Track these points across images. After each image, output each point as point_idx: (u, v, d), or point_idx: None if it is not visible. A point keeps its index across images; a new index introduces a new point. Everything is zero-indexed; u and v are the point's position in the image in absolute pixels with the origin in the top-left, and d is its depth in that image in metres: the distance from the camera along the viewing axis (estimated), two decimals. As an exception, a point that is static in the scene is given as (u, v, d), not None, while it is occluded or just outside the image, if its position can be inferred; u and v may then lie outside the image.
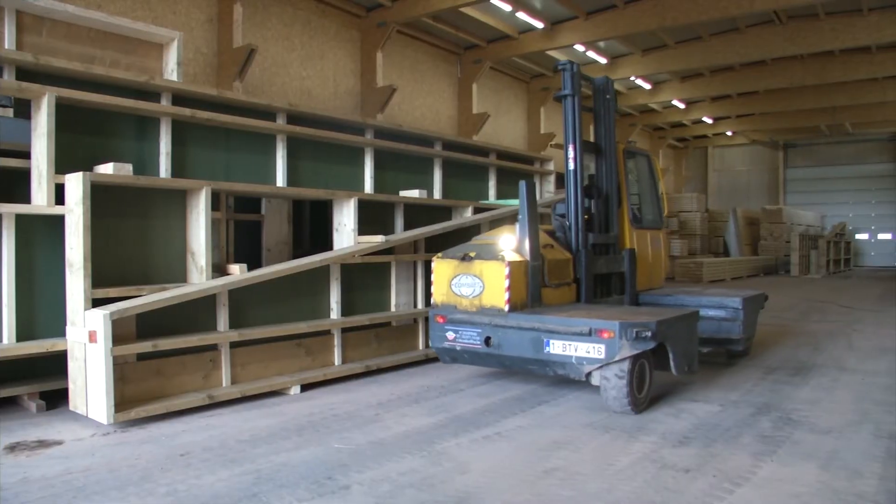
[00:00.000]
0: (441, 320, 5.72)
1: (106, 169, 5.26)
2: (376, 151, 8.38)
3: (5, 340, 4.98)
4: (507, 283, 5.41)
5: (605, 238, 6.75)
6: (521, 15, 16.18)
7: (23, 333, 5.06)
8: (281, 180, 7.27)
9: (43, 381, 5.16)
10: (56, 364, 5.18)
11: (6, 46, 6.02)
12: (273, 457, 4.06)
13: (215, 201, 6.64)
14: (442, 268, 5.84)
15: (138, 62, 7.18)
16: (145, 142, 6.16)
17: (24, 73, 5.57)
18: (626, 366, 4.87)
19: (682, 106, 26.92)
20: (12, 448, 4.20)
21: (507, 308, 5.40)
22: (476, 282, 5.58)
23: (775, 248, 25.92)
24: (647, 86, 23.63)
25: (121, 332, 4.79)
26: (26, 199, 5.37)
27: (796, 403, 5.38)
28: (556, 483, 3.65)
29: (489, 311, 5.48)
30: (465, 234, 7.55)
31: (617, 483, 3.65)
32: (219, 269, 6.04)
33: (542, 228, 6.06)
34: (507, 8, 15.63)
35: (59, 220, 5.14)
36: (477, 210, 8.33)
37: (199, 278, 5.59)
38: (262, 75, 13.41)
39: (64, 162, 5.32)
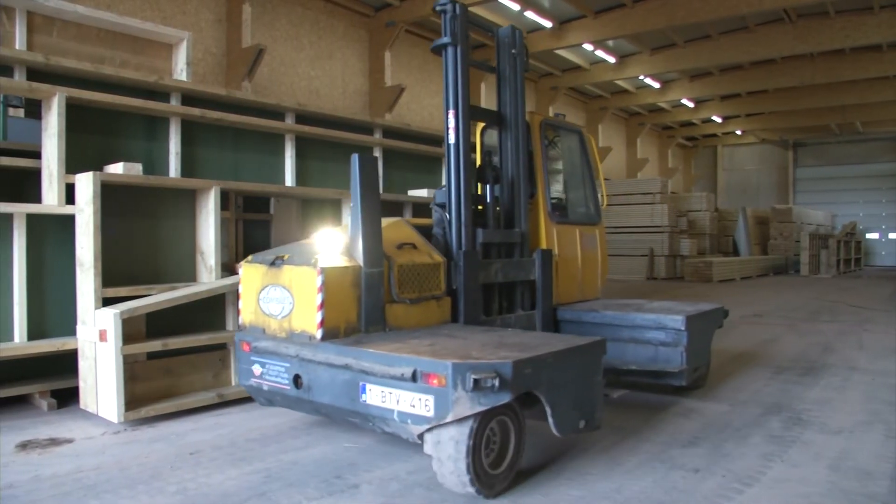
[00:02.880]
0: (246, 348, 4.20)
1: (116, 169, 5.29)
2: (385, 151, 8.40)
3: (17, 339, 5.01)
4: (319, 297, 3.84)
5: (504, 236, 5.27)
6: (530, 14, 16.18)
7: (34, 332, 5.10)
8: (290, 180, 7.29)
9: (54, 379, 5.19)
10: (67, 363, 5.22)
11: (17, 47, 6.07)
12: (282, 455, 4.08)
13: (224, 201, 6.67)
14: (249, 275, 4.31)
15: (148, 62, 7.22)
16: (155, 142, 6.19)
17: (34, 74, 5.61)
18: (466, 428, 3.25)
19: (691, 105, 26.84)
20: (24, 446, 4.22)
21: (319, 334, 3.83)
22: (286, 296, 4.03)
23: (785, 248, 25.80)
24: (656, 85, 23.57)
25: (131, 331, 4.82)
26: (37, 198, 5.40)
27: (806, 403, 5.35)
28: (566, 482, 3.65)
29: (299, 338, 3.92)
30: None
31: (625, 483, 3.64)
32: (228, 269, 6.07)
33: (406, 222, 4.92)
34: (516, 7, 15.63)
35: (69, 220, 5.17)
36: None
37: (209, 277, 5.61)
38: (271, 75, 13.45)
39: (74, 162, 5.35)
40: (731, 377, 6.36)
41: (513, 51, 5.58)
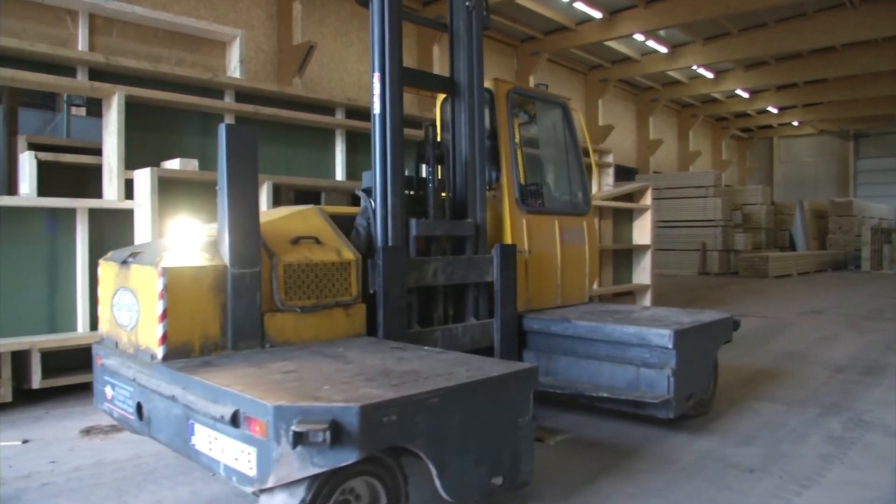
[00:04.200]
0: (100, 364, 3.57)
1: (173, 165, 5.44)
2: None
3: (80, 329, 5.20)
4: (160, 305, 3.09)
5: (451, 228, 4.44)
6: (579, 5, 15.99)
7: (96, 323, 5.28)
8: (340, 174, 7.37)
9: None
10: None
11: (80, 48, 6.25)
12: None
13: (276, 195, 6.79)
14: (105, 275, 3.66)
15: (202, 60, 7.39)
16: (210, 138, 6.34)
17: (95, 74, 5.80)
18: (301, 493, 2.41)
19: (746, 95, 26.16)
20: (87, 431, 4.39)
21: (160, 352, 3.09)
22: (134, 302, 3.31)
23: (844, 243, 24.94)
24: (710, 75, 23.05)
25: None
26: (98, 194, 5.59)
27: (868, 404, 5.16)
28: (617, 479, 3.61)
29: (143, 356, 3.21)
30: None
31: (677, 480, 3.59)
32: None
33: (320, 210, 4.08)
34: (565, -2, 15.46)
35: (128, 214, 5.34)
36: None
37: (261, 271, 5.70)
38: (321, 71, 13.62)
39: (133, 158, 5.51)
40: (786, 375, 6.19)
41: (467, 3, 4.65)
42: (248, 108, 6.44)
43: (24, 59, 5.61)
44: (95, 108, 6.20)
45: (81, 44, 6.50)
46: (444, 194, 4.56)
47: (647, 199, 9.64)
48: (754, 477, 3.64)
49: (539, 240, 5.14)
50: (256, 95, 6.72)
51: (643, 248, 9.58)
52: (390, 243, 4.00)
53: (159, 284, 3.09)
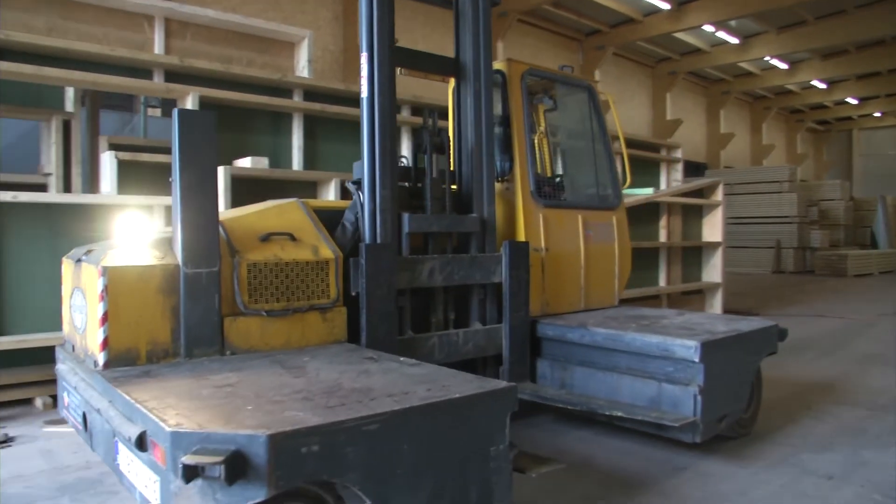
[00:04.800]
0: (56, 367, 3.45)
1: (244, 163, 5.59)
2: None
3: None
4: (101, 308, 2.87)
5: (451, 223, 4.05)
6: (647, -3, 15.65)
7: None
8: None
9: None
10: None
11: (156, 51, 6.48)
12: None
13: (344, 192, 6.90)
14: (65, 274, 3.49)
15: (272, 61, 7.57)
16: (279, 136, 6.49)
17: (171, 76, 6.02)
18: None
19: (823, 86, 25.12)
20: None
21: (101, 359, 2.87)
22: (83, 304, 3.10)
23: (931, 240, 23.65)
24: (784, 66, 22.22)
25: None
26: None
27: (958, 411, 4.88)
28: (686, 481, 3.52)
29: (88, 362, 3.01)
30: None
31: (751, 486, 3.47)
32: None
33: (303, 204, 3.79)
34: (632, -10, 15.17)
35: (202, 212, 5.50)
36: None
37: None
38: (386, 69, 13.76)
39: (207, 157, 5.68)
40: (867, 378, 5.91)
41: None
42: (316, 106, 6.56)
43: (105, 64, 5.86)
44: (171, 108, 6.43)
45: (158, 47, 6.74)
46: (452, 187, 4.22)
47: (718, 195, 9.37)
48: (833, 484, 3.50)
49: (558, 236, 4.71)
50: (324, 94, 6.84)
51: (714, 245, 9.32)
52: (379, 240, 3.66)
53: (100, 285, 2.86)
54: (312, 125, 6.70)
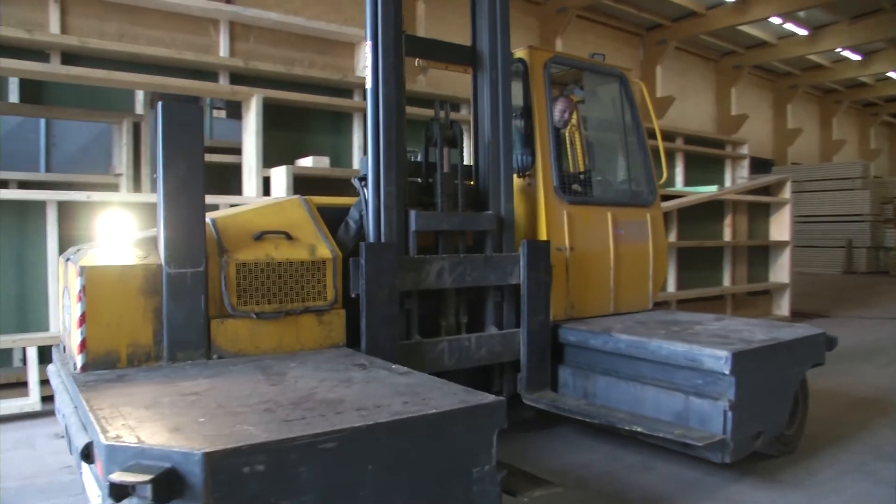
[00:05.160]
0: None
1: (306, 162, 5.68)
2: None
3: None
4: (79, 308, 2.80)
5: (464, 221, 3.84)
6: (710, -11, 15.25)
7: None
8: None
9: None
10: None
11: (221, 54, 6.66)
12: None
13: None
14: (60, 272, 3.49)
15: (333, 62, 7.68)
16: (340, 136, 6.59)
17: (235, 77, 6.19)
18: None
19: (900, 78, 23.99)
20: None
21: (79, 361, 2.80)
22: (68, 304, 3.04)
23: None
24: (857, 57, 21.31)
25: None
26: (238, 191, 5.93)
27: None
28: (751, 487, 3.40)
29: (71, 364, 2.96)
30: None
31: (820, 495, 3.33)
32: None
33: (306, 201, 3.65)
34: (695, -17, 14.81)
35: (265, 211, 5.62)
36: (664, 198, 7.94)
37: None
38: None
39: (270, 156, 5.81)
40: (951, 385, 5.61)
41: None
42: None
43: (173, 67, 6.05)
44: (235, 110, 6.58)
45: (223, 50, 6.91)
46: (469, 182, 4.06)
47: (786, 193, 9.06)
48: (916, 495, 3.32)
49: (585, 235, 4.43)
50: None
51: (781, 244, 9.01)
52: (383, 239, 3.50)
53: (77, 285, 2.79)
54: (372, 124, 6.77)
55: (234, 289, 3.08)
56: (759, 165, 20.05)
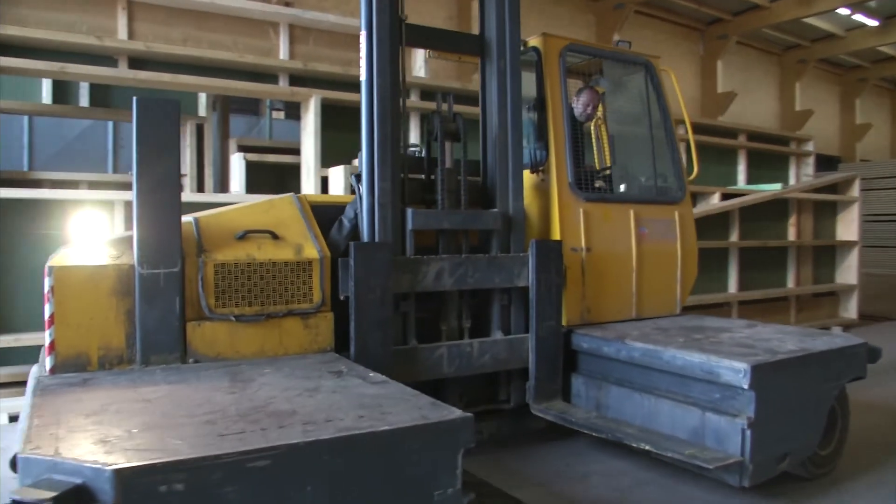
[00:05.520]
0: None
1: (363, 162, 5.75)
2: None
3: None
4: (48, 310, 2.77)
5: (467, 220, 3.68)
6: (774, -19, 14.79)
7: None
8: None
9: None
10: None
11: (280, 56, 6.81)
12: None
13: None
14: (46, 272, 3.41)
15: (389, 62, 7.75)
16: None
17: (294, 79, 6.32)
18: None
19: (978, 69, 22.79)
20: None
21: (48, 363, 2.77)
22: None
23: None
24: (932, 48, 20.34)
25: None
26: (297, 190, 6.05)
27: None
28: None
29: (44, 367, 2.88)
30: (710, 223, 7.09)
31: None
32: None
33: (299, 199, 3.55)
34: (757, -25, 14.40)
35: (323, 210, 5.72)
36: (725, 196, 7.77)
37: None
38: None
39: (328, 156, 5.91)
40: None
41: None
42: (433, 105, 6.65)
43: (235, 70, 6.21)
44: (293, 111, 6.71)
45: (283, 52, 7.05)
46: (476, 179, 3.90)
47: (854, 191, 8.74)
48: None
49: (604, 234, 4.21)
50: (441, 93, 6.93)
51: (849, 244, 8.69)
52: (378, 238, 3.33)
53: (46, 285, 2.74)
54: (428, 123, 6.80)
55: (211, 290, 2.97)
56: (826, 162, 19.35)
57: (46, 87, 6.56)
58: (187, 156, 6.51)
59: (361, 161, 3.46)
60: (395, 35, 3.52)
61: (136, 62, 6.08)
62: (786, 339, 3.62)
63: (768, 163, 9.92)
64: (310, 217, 3.44)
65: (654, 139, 4.60)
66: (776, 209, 7.96)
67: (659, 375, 3.49)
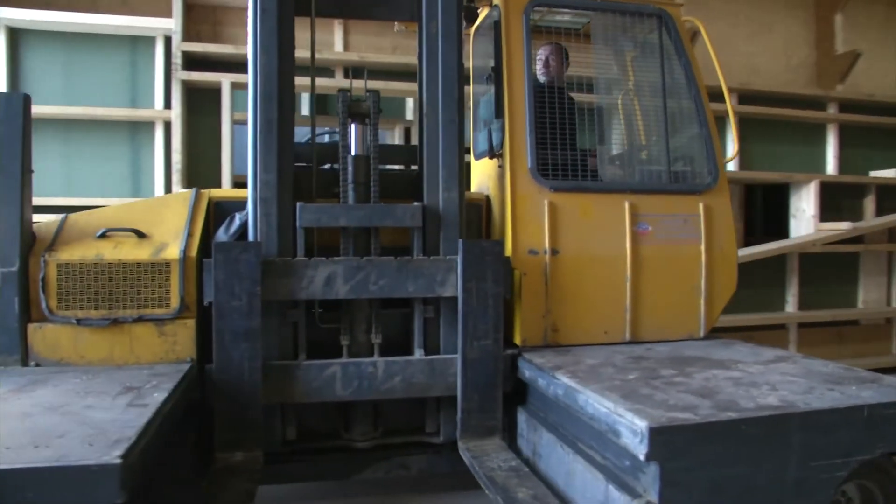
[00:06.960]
0: None
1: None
2: (841, 127, 7.52)
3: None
4: None
5: (370, 215, 3.06)
6: None
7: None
8: (732, 163, 6.87)
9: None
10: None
11: (335, 49, 6.87)
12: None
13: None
14: None
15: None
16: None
17: (349, 73, 6.33)
18: None
19: None
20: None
21: None
22: None
23: None
24: None
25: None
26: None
27: None
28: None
29: None
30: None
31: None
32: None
33: (197, 192, 3.19)
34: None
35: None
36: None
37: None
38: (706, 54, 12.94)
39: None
40: None
41: None
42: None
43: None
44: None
45: (337, 45, 6.97)
46: (413, 167, 3.40)
47: None
48: None
49: (579, 232, 3.27)
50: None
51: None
52: (259, 238, 2.90)
53: None
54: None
55: (53, 291, 2.78)
56: None
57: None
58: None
59: (247, 150, 3.02)
60: (288, 4, 3.03)
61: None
62: (799, 386, 2.45)
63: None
64: (199, 214, 3.09)
65: (671, 111, 3.52)
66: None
67: (580, 424, 2.58)
